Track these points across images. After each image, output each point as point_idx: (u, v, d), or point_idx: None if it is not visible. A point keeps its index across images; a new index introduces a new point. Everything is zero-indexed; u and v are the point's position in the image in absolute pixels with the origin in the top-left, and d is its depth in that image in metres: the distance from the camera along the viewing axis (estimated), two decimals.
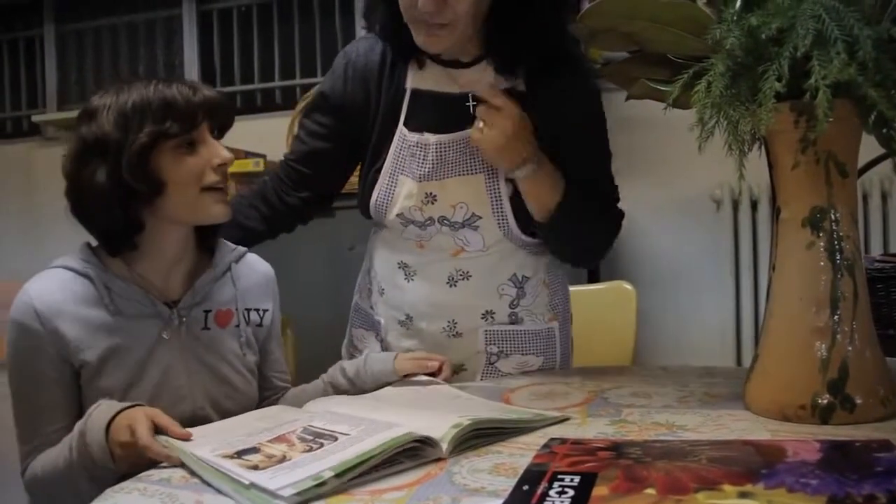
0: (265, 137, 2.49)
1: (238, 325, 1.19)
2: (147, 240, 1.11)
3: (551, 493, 0.63)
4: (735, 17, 0.80)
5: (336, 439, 0.78)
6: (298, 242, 2.21)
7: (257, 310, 1.23)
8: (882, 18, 0.77)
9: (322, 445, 0.77)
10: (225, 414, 1.12)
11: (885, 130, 0.81)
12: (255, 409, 1.19)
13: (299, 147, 1.32)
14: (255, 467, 0.73)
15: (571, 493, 0.62)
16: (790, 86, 0.74)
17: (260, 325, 1.23)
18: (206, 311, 1.16)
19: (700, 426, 0.84)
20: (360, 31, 2.76)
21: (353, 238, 2.15)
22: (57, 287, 1.07)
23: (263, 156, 2.44)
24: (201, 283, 1.16)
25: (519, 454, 0.77)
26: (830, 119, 0.73)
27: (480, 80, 1.17)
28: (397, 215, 1.22)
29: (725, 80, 0.79)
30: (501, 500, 0.63)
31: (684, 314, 2.36)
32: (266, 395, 1.24)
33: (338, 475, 0.69)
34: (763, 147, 0.90)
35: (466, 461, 0.75)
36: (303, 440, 0.80)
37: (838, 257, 0.83)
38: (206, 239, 1.20)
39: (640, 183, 2.51)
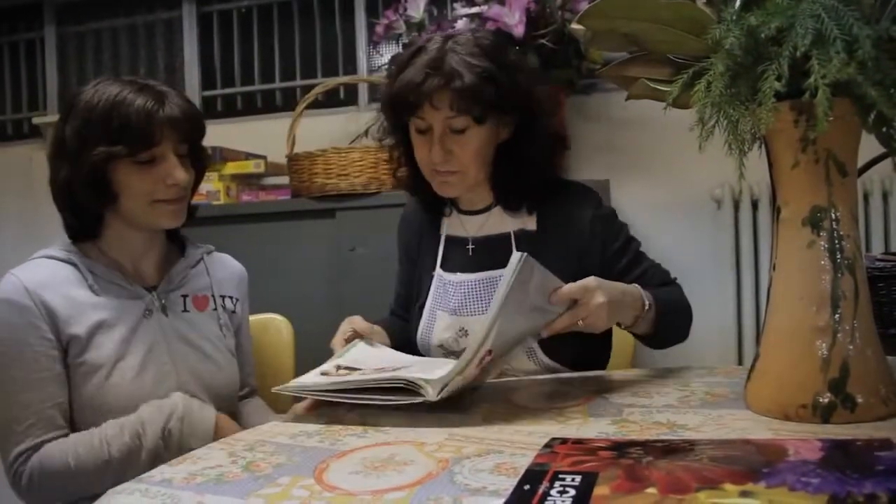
0: (266, 139, 2.49)
1: (215, 309, 1.25)
2: (109, 231, 1.17)
3: (552, 492, 0.63)
4: (734, 17, 0.80)
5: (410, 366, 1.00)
6: (299, 243, 2.22)
7: (231, 297, 1.30)
8: (881, 17, 0.77)
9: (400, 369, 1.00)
10: (211, 391, 1.17)
11: (884, 129, 0.81)
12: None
13: (397, 298, 1.50)
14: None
15: (573, 492, 0.62)
16: (790, 85, 0.74)
17: (234, 311, 1.28)
18: (184, 296, 1.22)
19: (701, 425, 0.84)
20: (360, 32, 2.77)
21: (354, 239, 2.16)
22: (43, 271, 1.12)
23: (264, 157, 2.45)
24: (176, 270, 1.22)
25: (520, 454, 0.77)
26: (830, 118, 0.72)
27: (494, 223, 1.32)
28: (438, 346, 1.32)
29: (725, 79, 0.79)
30: (503, 500, 0.63)
31: None
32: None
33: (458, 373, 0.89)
34: (763, 146, 0.90)
35: (468, 461, 0.76)
36: (382, 369, 1.00)
37: (839, 256, 0.83)
38: (173, 233, 1.26)
39: (641, 183, 2.51)
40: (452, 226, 1.38)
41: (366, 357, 1.11)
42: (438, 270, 1.35)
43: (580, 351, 1.26)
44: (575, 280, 1.06)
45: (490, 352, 0.92)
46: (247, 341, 1.34)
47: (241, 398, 1.32)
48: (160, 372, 1.13)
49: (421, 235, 1.43)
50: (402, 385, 0.93)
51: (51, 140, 1.14)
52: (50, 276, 1.11)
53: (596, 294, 1.03)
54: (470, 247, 1.33)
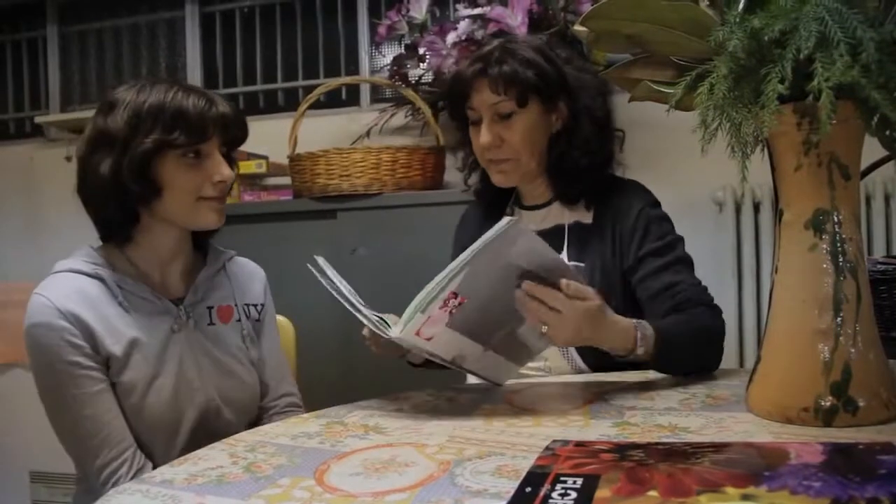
0: (268, 139, 2.48)
1: (239, 320, 1.23)
2: (143, 233, 1.14)
3: (554, 494, 0.63)
4: (738, 19, 0.80)
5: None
6: (300, 244, 2.22)
7: (255, 305, 1.27)
8: (885, 20, 0.77)
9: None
10: (233, 405, 1.16)
11: (887, 132, 0.81)
12: (257, 414, 1.22)
13: None
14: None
15: (574, 495, 0.62)
16: (793, 88, 0.74)
17: (258, 319, 1.26)
18: (209, 308, 1.19)
19: (702, 428, 0.84)
20: (363, 32, 2.77)
21: (355, 240, 2.16)
22: (72, 289, 1.08)
23: (266, 157, 2.44)
24: (200, 280, 1.19)
25: (521, 456, 0.77)
26: (833, 121, 0.72)
27: (553, 217, 1.34)
28: None
29: (728, 82, 0.79)
30: (504, 502, 0.63)
31: None
32: (267, 407, 1.26)
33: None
34: (765, 149, 0.89)
35: (469, 463, 0.76)
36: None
37: (841, 259, 0.83)
38: (200, 238, 1.23)
39: (643, 184, 2.50)
40: None
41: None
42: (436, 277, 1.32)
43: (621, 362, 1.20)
44: (612, 272, 1.08)
45: (456, 295, 0.93)
46: (274, 345, 1.30)
47: (278, 410, 1.27)
48: (190, 389, 1.13)
49: (480, 234, 1.41)
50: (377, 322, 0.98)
51: (86, 136, 1.10)
52: (79, 294, 1.07)
53: (576, 308, 0.97)
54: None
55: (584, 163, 1.30)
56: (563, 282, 0.97)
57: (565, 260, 1.25)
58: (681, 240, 1.30)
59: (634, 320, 1.07)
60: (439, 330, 0.96)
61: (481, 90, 1.27)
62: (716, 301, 1.24)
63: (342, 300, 1.02)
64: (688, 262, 1.28)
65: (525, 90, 1.25)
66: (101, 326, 1.07)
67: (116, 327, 1.08)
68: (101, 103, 1.11)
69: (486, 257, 0.92)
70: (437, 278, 0.92)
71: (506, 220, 0.91)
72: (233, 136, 1.15)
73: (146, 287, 1.13)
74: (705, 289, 1.25)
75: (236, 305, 1.23)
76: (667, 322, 1.14)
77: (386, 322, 0.98)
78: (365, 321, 0.99)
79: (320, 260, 1.09)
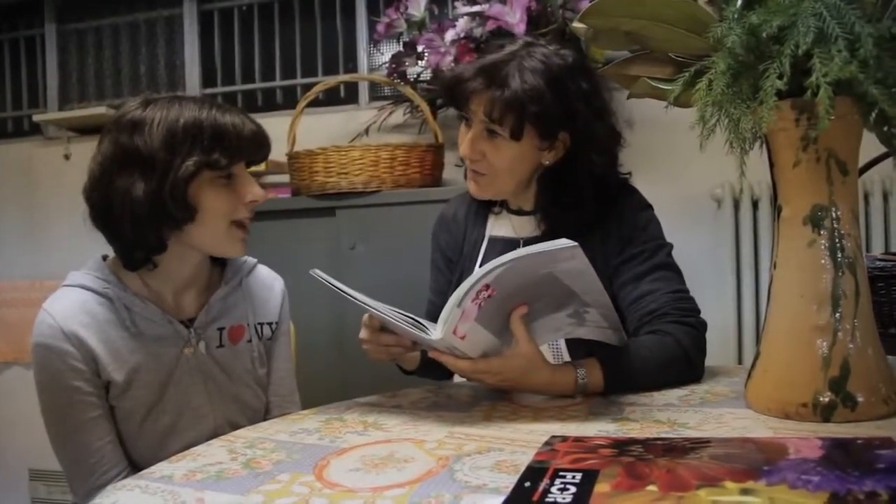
0: None
1: (250, 341, 1.19)
2: (166, 260, 1.10)
3: (553, 489, 0.63)
4: (736, 16, 0.80)
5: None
6: (299, 241, 2.22)
7: (270, 324, 1.24)
8: (883, 16, 0.77)
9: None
10: (237, 429, 1.13)
11: (885, 128, 0.81)
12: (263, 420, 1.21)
13: (434, 286, 1.43)
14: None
15: (573, 489, 0.62)
16: (791, 84, 0.75)
17: (270, 338, 1.24)
18: (220, 329, 1.16)
19: (701, 424, 0.84)
20: (361, 30, 2.77)
21: (354, 237, 2.16)
22: (79, 309, 1.05)
23: None
24: (214, 300, 1.15)
25: (520, 451, 0.77)
26: (831, 117, 0.73)
27: (535, 227, 1.26)
28: None
29: (727, 78, 0.79)
30: (503, 497, 0.63)
31: None
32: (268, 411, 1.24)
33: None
34: (764, 145, 0.90)
35: (468, 458, 0.76)
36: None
37: (839, 255, 0.83)
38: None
39: (641, 182, 2.48)
40: (501, 226, 1.32)
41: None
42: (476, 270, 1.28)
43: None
44: (605, 280, 1.01)
45: (488, 286, 0.91)
46: (284, 364, 1.27)
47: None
48: (196, 414, 1.11)
49: (465, 236, 1.37)
50: (412, 323, 0.95)
51: (107, 156, 1.04)
52: (86, 315, 1.05)
53: (513, 362, 0.97)
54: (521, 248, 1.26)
55: (572, 214, 1.21)
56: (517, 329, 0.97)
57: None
58: (664, 246, 1.22)
59: (576, 362, 1.03)
60: (470, 325, 0.94)
61: (477, 104, 1.17)
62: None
63: (364, 304, 1.00)
64: (670, 269, 1.19)
65: (521, 123, 1.14)
66: (105, 351, 1.05)
67: (120, 352, 1.06)
68: (122, 121, 1.04)
69: (532, 261, 0.90)
70: (476, 273, 0.89)
71: (566, 241, 0.87)
72: (258, 156, 1.11)
73: (157, 309, 1.09)
74: (687, 298, 1.17)
75: (249, 325, 1.20)
76: (628, 349, 1.06)
77: (420, 322, 0.95)
78: (397, 323, 0.96)
79: (320, 273, 1.04)
